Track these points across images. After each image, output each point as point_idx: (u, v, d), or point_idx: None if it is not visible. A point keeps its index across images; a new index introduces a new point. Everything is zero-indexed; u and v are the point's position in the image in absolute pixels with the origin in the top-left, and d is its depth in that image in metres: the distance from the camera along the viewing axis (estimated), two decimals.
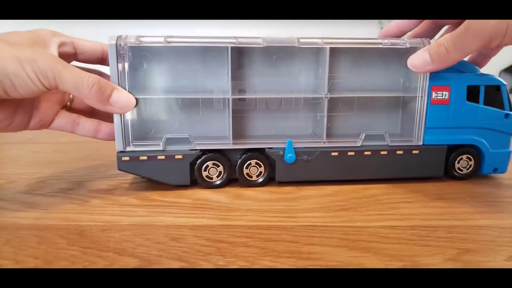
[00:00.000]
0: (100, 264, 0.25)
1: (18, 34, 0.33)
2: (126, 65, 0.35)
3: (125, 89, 0.35)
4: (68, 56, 0.37)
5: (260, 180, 0.39)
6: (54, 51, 0.34)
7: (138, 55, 0.38)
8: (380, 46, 0.38)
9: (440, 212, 0.33)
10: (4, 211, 0.32)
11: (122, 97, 0.35)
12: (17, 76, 0.30)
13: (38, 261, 0.25)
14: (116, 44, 0.35)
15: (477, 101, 0.39)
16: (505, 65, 0.80)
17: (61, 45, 0.35)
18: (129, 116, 0.36)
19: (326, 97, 0.38)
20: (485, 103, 0.39)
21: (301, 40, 0.37)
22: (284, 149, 0.38)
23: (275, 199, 0.36)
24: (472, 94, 0.38)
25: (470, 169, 0.40)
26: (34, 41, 0.33)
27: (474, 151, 0.40)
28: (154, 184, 0.39)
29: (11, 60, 0.30)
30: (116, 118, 0.36)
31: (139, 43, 0.36)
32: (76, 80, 0.32)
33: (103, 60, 0.38)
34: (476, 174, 0.41)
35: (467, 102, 0.38)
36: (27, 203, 0.34)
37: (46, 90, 0.31)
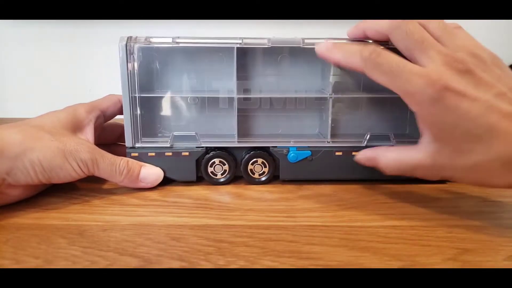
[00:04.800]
0: (101, 264, 0.25)
1: (57, 117, 0.35)
2: (136, 65, 0.36)
3: (135, 89, 0.37)
4: (100, 124, 0.39)
5: (264, 178, 0.39)
6: (91, 133, 0.37)
7: (147, 56, 0.38)
8: (386, 46, 0.38)
9: (440, 212, 0.33)
10: (4, 211, 0.32)
11: (150, 173, 0.37)
12: (62, 169, 0.32)
13: (39, 261, 0.25)
14: (126, 45, 0.36)
15: None
16: None
17: (95, 120, 0.38)
18: (139, 114, 0.37)
19: (331, 97, 0.38)
20: None
21: (306, 41, 0.37)
22: (288, 148, 0.38)
23: (275, 199, 0.36)
24: None
25: None
26: (72, 125, 0.36)
27: None
28: None
29: (57, 153, 0.32)
30: (126, 115, 0.37)
31: (148, 44, 0.37)
32: (111, 168, 0.35)
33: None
34: None
35: None
36: (27, 202, 0.34)
37: (84, 175, 0.34)
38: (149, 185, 0.37)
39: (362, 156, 0.35)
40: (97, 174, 0.34)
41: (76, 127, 0.36)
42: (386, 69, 0.29)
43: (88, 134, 0.37)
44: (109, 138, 0.43)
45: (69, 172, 0.33)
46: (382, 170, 0.34)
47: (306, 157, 0.38)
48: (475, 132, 0.27)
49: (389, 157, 0.33)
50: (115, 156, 0.35)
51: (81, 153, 0.33)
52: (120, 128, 0.43)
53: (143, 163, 0.37)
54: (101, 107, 0.39)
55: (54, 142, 0.32)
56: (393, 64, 0.29)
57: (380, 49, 0.31)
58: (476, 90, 0.27)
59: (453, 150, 0.29)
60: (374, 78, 0.31)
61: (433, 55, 0.29)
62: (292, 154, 0.38)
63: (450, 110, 0.28)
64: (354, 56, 0.31)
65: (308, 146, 0.38)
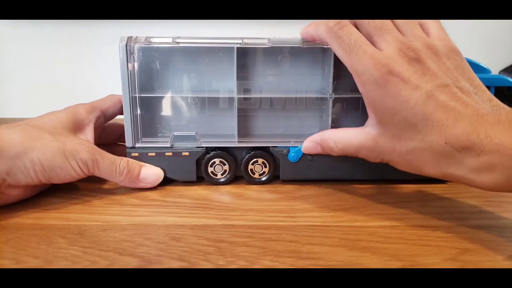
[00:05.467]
0: (101, 264, 0.25)
1: (58, 117, 0.35)
2: (136, 65, 0.36)
3: (135, 89, 0.37)
4: (101, 124, 0.39)
5: (264, 178, 0.39)
6: (91, 133, 0.37)
7: (147, 56, 0.38)
8: None
9: (440, 212, 0.33)
10: (4, 211, 0.32)
11: (150, 173, 0.37)
12: (62, 168, 0.32)
13: (39, 261, 0.25)
14: (127, 45, 0.36)
15: None
16: (505, 65, 0.80)
17: (95, 120, 0.38)
18: (139, 114, 0.37)
19: (331, 97, 0.38)
20: None
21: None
22: (288, 148, 0.38)
23: (275, 199, 0.36)
24: None
25: None
26: (72, 125, 0.35)
27: None
28: None
29: (57, 153, 0.32)
30: (126, 115, 0.37)
31: (149, 44, 0.37)
32: (111, 167, 0.35)
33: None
34: None
35: None
36: (27, 202, 0.34)
37: (84, 176, 0.34)
38: (149, 185, 0.37)
39: (309, 142, 0.36)
40: (97, 174, 0.34)
41: (76, 127, 0.36)
42: (344, 44, 0.30)
43: (88, 134, 0.37)
44: (109, 138, 0.43)
45: (69, 172, 0.33)
46: (330, 151, 0.34)
47: (306, 155, 0.38)
48: (412, 120, 0.28)
49: (337, 137, 0.33)
50: (115, 156, 0.35)
51: (81, 153, 0.33)
52: (120, 128, 0.43)
53: (143, 163, 0.37)
54: (101, 107, 0.39)
55: (54, 142, 0.32)
56: (351, 40, 0.30)
57: (346, 22, 0.31)
58: (420, 79, 0.28)
59: (393, 135, 0.30)
60: (334, 51, 0.32)
61: (389, 41, 0.30)
62: (293, 154, 0.38)
63: (391, 95, 0.28)
64: (321, 27, 0.32)
65: None
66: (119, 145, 0.44)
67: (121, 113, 0.40)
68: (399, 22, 0.31)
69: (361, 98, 0.40)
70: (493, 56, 0.79)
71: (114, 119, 0.41)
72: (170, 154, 0.38)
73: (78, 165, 0.33)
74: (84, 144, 0.34)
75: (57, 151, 0.32)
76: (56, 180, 0.33)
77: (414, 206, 0.34)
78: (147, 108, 0.39)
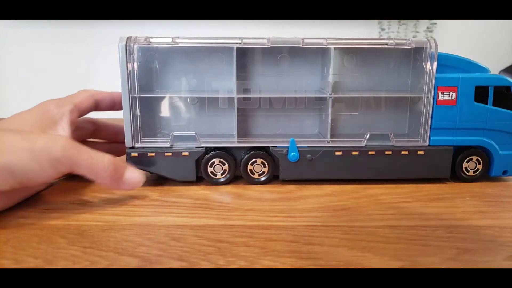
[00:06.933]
0: (101, 264, 0.25)
1: (24, 118, 0.33)
2: (135, 65, 0.36)
3: (135, 89, 0.37)
4: (75, 118, 0.37)
5: (264, 178, 0.39)
6: (65, 128, 0.34)
7: (146, 56, 0.39)
8: (386, 46, 0.38)
9: (440, 212, 0.33)
10: (4, 210, 0.32)
11: (134, 174, 0.34)
12: (33, 169, 0.29)
13: (39, 261, 0.25)
14: (126, 45, 0.36)
15: (485, 102, 0.38)
16: (505, 65, 0.80)
17: (69, 114, 0.35)
18: (139, 114, 0.37)
19: (330, 97, 0.38)
20: (494, 104, 0.38)
21: (306, 41, 0.37)
22: (287, 147, 0.38)
23: (275, 199, 0.36)
24: (481, 94, 0.38)
25: (478, 171, 0.40)
26: (42, 123, 0.33)
27: (482, 152, 0.39)
28: (155, 183, 0.39)
29: (25, 154, 0.29)
30: (126, 116, 0.37)
31: (148, 44, 0.37)
32: (91, 162, 0.31)
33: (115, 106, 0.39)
34: (484, 177, 0.40)
35: (475, 103, 0.38)
36: (27, 202, 0.34)
37: (62, 174, 0.31)
38: (129, 188, 0.34)
39: None
40: (76, 171, 0.31)
41: (47, 124, 0.33)
42: None
43: (63, 129, 0.34)
44: (108, 138, 0.43)
45: (41, 172, 0.29)
46: None
47: (305, 150, 0.38)
48: None
49: None
50: (97, 152, 0.32)
51: (53, 151, 0.29)
52: (116, 127, 0.42)
53: (126, 164, 0.34)
54: (73, 101, 0.36)
55: (21, 143, 0.29)
56: None
57: None
58: None
59: None
60: None
61: None
62: (293, 153, 0.38)
63: None
64: None
65: (308, 146, 0.38)
66: (117, 144, 0.43)
67: (95, 109, 0.39)
68: None
69: (361, 98, 0.41)
70: (493, 56, 0.79)
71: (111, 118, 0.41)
72: (170, 154, 0.38)
73: (52, 165, 0.29)
74: (56, 139, 0.30)
75: (24, 153, 0.29)
76: (30, 183, 0.30)
77: (414, 206, 0.34)
78: (147, 108, 0.39)
